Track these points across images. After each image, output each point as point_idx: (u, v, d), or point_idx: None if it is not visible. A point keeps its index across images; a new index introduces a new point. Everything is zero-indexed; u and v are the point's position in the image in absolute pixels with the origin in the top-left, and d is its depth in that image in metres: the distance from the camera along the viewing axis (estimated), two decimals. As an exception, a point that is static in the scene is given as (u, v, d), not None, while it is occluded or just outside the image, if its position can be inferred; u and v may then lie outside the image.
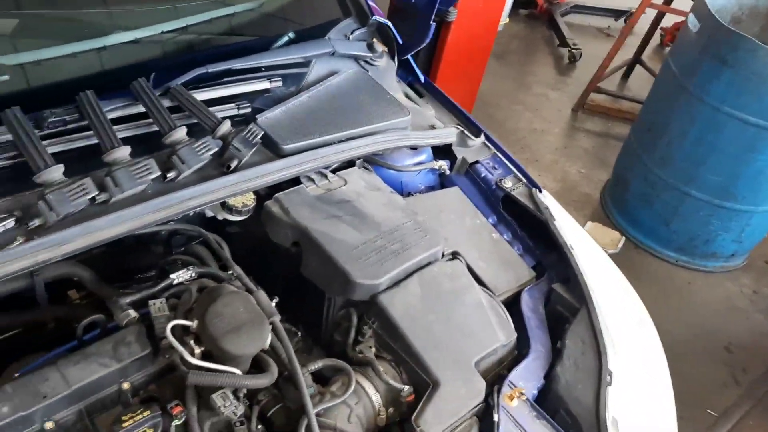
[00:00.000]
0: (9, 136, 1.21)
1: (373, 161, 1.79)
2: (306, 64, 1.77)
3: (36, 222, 1.18)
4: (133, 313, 1.36)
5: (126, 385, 1.28)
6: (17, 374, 1.45)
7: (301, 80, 1.74)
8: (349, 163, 1.75)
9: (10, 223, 1.18)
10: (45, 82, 1.41)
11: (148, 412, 1.18)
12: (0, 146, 1.23)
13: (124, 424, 1.16)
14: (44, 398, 1.19)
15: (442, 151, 1.95)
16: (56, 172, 1.21)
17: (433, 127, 1.89)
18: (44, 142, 1.25)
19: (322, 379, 1.47)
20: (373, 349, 1.49)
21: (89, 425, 1.26)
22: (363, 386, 1.41)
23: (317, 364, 1.43)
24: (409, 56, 2.06)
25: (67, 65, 1.43)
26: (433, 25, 1.94)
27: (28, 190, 1.23)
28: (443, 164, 1.91)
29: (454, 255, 1.65)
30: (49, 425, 1.19)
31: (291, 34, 1.80)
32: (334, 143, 1.62)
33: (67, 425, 1.24)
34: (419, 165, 1.87)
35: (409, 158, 1.86)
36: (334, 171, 1.70)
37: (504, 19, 3.99)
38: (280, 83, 1.67)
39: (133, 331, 1.32)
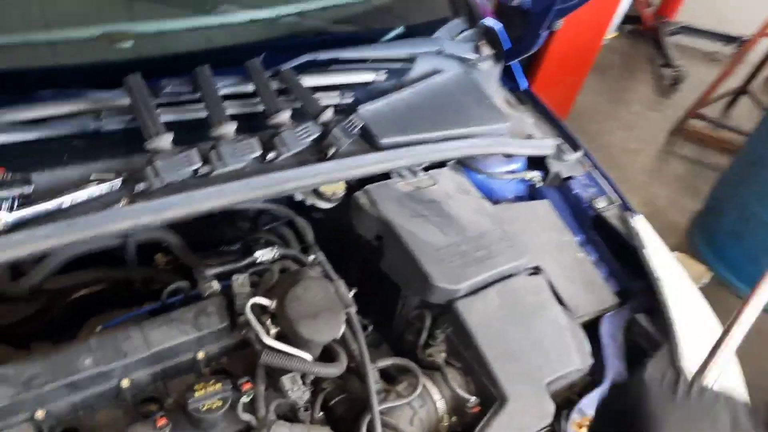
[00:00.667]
0: (128, 101, 1.26)
1: (465, 164, 1.77)
2: (411, 60, 1.76)
3: (141, 186, 1.22)
4: (216, 285, 1.39)
5: (201, 355, 1.31)
6: (99, 328, 1.52)
7: (404, 76, 1.74)
8: (441, 163, 1.73)
9: (118, 183, 1.23)
10: (163, 53, 1.45)
11: (219, 385, 1.21)
12: (118, 110, 1.28)
13: (196, 394, 1.19)
14: (125, 356, 1.24)
15: (535, 162, 1.90)
16: (166, 140, 1.25)
17: (530, 137, 1.85)
18: (158, 110, 1.28)
19: (386, 376, 1.47)
20: (443, 355, 1.48)
21: (162, 388, 1.30)
22: (429, 390, 1.40)
23: (386, 362, 1.42)
24: (513, 62, 2.02)
25: (185, 38, 1.48)
26: (545, 34, 1.90)
27: (138, 155, 1.27)
28: (536, 175, 1.86)
29: (537, 270, 1.62)
30: (125, 383, 1.24)
31: (401, 29, 1.79)
32: (431, 142, 1.60)
33: (142, 386, 1.29)
34: (511, 173, 1.84)
35: (502, 165, 1.82)
36: (425, 169, 1.69)
37: (611, 32, 3.87)
38: (384, 76, 1.67)
39: (214, 302, 1.36)
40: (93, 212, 1.17)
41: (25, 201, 1.13)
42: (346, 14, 1.79)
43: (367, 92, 1.65)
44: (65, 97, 1.24)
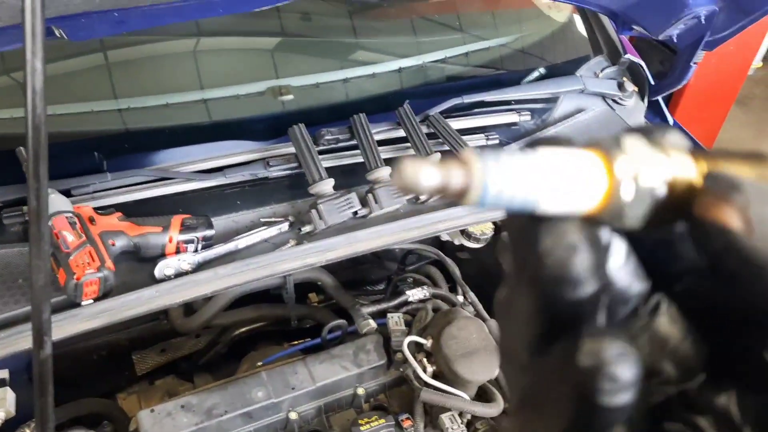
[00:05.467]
0: (292, 149, 1.36)
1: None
2: (554, 99, 1.77)
3: (307, 228, 1.30)
4: (373, 323, 1.44)
5: (361, 391, 1.36)
6: (260, 363, 1.61)
7: (548, 115, 1.74)
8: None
9: (285, 226, 1.31)
10: (320, 103, 1.55)
11: (383, 420, 1.24)
12: (284, 157, 1.38)
13: (362, 428, 1.23)
14: (293, 390, 1.30)
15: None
16: (328, 185, 1.33)
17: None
18: (319, 157, 1.37)
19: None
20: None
21: (325, 422, 1.36)
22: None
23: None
24: (659, 98, 1.97)
25: (338, 89, 1.57)
26: (694, 66, 1.84)
27: (301, 199, 1.37)
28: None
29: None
30: (293, 415, 1.30)
31: (542, 70, 1.81)
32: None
33: (307, 418, 1.35)
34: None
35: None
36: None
37: (757, 62, 3.67)
38: (528, 117, 1.68)
39: (372, 340, 1.41)
40: (264, 253, 1.26)
41: (208, 243, 1.24)
42: (487, 58, 1.83)
43: (511, 134, 1.67)
44: (240, 148, 1.35)
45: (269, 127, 1.42)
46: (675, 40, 1.80)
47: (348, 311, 1.52)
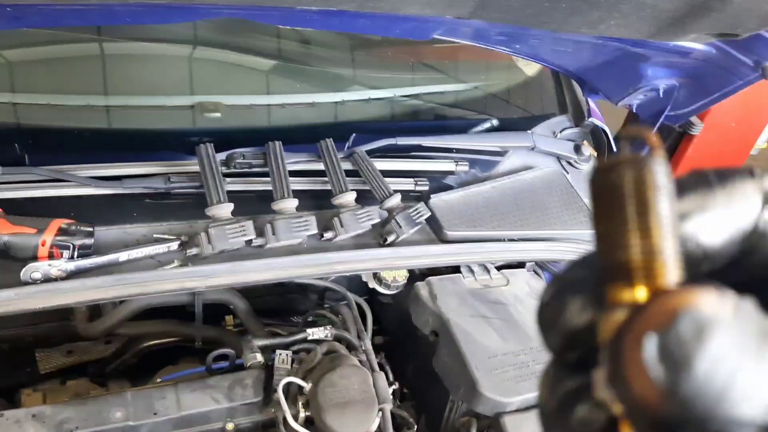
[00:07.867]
0: (197, 168, 1.33)
1: (546, 268, 1.66)
2: (502, 153, 1.71)
3: (194, 251, 1.26)
4: (259, 357, 1.39)
5: (230, 426, 1.30)
6: (159, 379, 1.57)
7: (491, 168, 1.69)
8: (520, 263, 1.64)
9: (175, 246, 1.28)
10: (247, 125, 1.52)
11: (236, 461, 1.19)
12: (189, 175, 1.35)
13: (212, 466, 1.17)
14: (154, 415, 1.26)
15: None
16: (225, 209, 1.29)
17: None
18: (227, 180, 1.34)
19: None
20: (485, 471, 1.36)
21: (187, 454, 1.30)
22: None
23: (420, 468, 1.33)
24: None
25: (274, 113, 1.54)
26: (653, 139, 1.77)
27: (200, 219, 1.33)
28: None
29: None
30: (151, 441, 1.25)
31: (495, 122, 1.76)
32: (504, 240, 1.52)
33: (168, 447, 1.30)
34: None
35: (588, 274, 1.69)
36: (499, 267, 1.60)
37: (761, 143, 3.56)
38: (466, 167, 1.63)
39: (252, 375, 1.35)
40: (144, 270, 1.22)
41: (85, 252, 1.21)
42: (439, 102, 1.79)
43: (445, 182, 1.62)
44: (140, 158, 1.33)
45: (188, 143, 1.39)
46: (635, 110, 1.74)
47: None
